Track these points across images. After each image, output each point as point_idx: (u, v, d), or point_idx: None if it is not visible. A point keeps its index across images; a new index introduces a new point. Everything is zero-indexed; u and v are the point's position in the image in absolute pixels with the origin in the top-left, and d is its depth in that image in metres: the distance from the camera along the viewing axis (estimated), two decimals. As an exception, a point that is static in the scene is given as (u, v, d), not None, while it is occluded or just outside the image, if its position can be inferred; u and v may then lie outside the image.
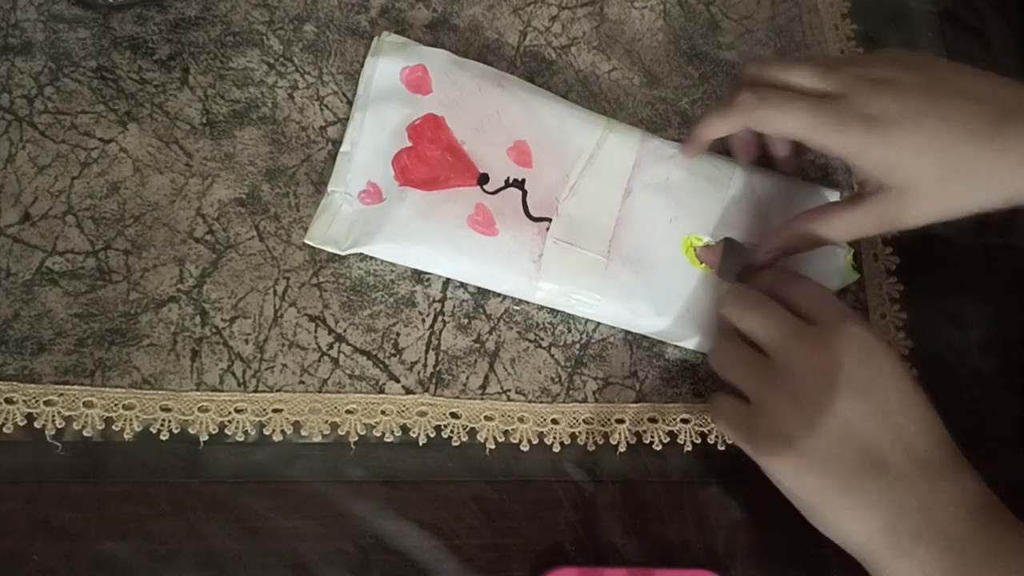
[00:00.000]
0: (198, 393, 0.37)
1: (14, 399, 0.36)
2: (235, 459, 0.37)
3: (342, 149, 0.41)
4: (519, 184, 0.41)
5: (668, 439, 0.40)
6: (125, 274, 0.38)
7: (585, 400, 0.40)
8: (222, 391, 0.38)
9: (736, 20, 0.48)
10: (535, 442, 0.39)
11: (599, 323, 0.41)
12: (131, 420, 0.37)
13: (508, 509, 0.38)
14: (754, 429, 0.35)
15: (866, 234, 0.38)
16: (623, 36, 0.47)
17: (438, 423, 0.39)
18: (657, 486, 0.40)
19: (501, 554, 0.38)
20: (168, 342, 0.38)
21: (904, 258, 0.45)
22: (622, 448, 0.40)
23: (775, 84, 0.37)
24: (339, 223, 0.39)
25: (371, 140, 0.41)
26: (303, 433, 0.38)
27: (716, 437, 0.41)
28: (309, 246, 0.40)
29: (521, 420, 0.39)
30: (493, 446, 0.39)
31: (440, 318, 0.40)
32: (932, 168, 0.35)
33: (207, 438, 0.37)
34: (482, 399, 0.39)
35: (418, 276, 0.41)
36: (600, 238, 0.41)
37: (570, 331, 0.41)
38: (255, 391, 0.38)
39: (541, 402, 0.40)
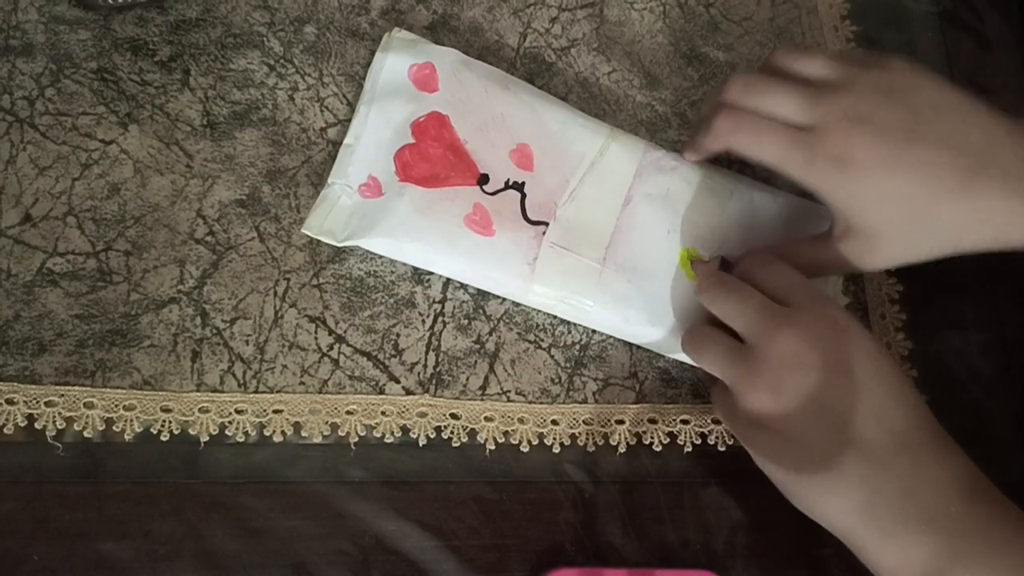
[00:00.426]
0: (198, 394, 0.37)
1: (15, 400, 0.36)
2: (235, 460, 0.37)
3: (345, 141, 0.41)
4: (519, 187, 0.41)
5: (668, 440, 0.40)
6: (126, 275, 0.38)
7: (585, 401, 0.40)
8: (222, 392, 0.38)
9: (736, 22, 0.48)
10: (535, 443, 0.39)
11: (596, 326, 0.41)
12: (131, 421, 0.37)
13: (508, 510, 0.38)
14: (734, 411, 0.36)
15: (830, 273, 0.39)
16: (623, 38, 0.47)
17: (438, 424, 0.39)
18: (657, 487, 0.40)
19: (501, 555, 0.38)
20: (169, 343, 0.38)
21: (904, 259, 0.45)
22: (622, 449, 0.40)
23: (755, 111, 0.37)
24: (337, 214, 0.39)
25: (375, 134, 0.41)
26: (303, 434, 0.38)
27: (716, 438, 0.41)
28: (309, 248, 0.40)
29: (521, 421, 0.40)
30: (493, 447, 0.39)
31: (440, 319, 0.40)
32: (897, 215, 0.35)
33: (207, 439, 0.37)
34: (482, 400, 0.40)
35: (418, 277, 0.41)
36: (596, 245, 0.40)
37: (570, 332, 0.41)
38: (255, 392, 0.38)
39: (541, 403, 0.40)
